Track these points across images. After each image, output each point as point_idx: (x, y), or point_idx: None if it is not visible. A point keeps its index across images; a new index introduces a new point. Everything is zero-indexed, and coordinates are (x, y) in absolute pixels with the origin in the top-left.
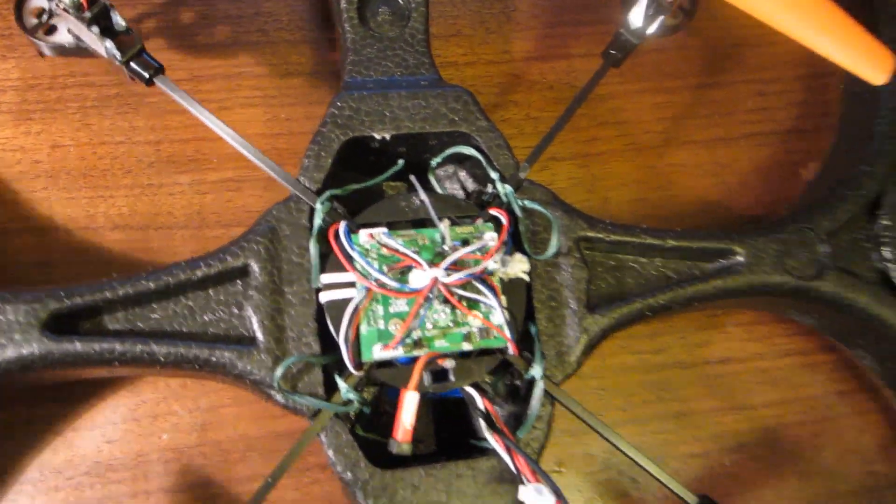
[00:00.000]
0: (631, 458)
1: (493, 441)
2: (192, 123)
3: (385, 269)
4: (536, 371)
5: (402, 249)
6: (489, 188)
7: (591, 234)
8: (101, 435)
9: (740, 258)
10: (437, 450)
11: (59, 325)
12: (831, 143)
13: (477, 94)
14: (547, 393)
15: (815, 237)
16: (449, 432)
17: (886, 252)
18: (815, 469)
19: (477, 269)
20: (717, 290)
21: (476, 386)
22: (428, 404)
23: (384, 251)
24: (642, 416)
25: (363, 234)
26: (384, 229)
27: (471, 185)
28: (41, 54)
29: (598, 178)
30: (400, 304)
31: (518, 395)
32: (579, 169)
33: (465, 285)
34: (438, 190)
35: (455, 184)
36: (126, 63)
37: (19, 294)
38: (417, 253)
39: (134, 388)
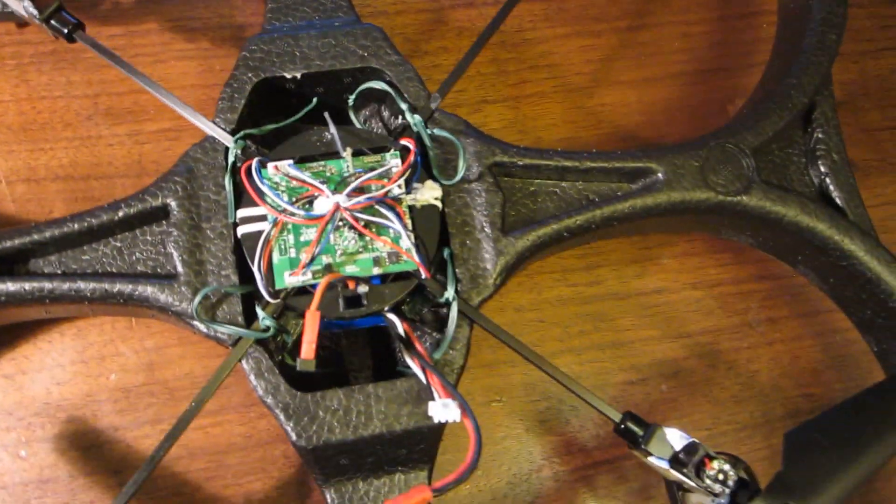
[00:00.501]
0: (550, 375)
1: (411, 363)
2: (128, 77)
3: (292, 200)
4: (449, 293)
5: (306, 179)
6: (400, 120)
7: (504, 158)
8: (50, 377)
9: (660, 175)
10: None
11: None
12: (763, 75)
13: (405, 42)
14: (465, 315)
15: (739, 152)
16: (387, 363)
17: (821, 165)
18: (750, 393)
19: (378, 194)
20: (637, 208)
21: (398, 313)
22: (364, 338)
23: (293, 183)
24: (579, 346)
25: (271, 168)
26: (289, 161)
27: (394, 123)
28: None
29: (529, 119)
30: (310, 234)
31: (445, 323)
32: (510, 111)
33: (370, 210)
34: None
35: (378, 123)
36: (46, 20)
37: None
38: (324, 183)
39: (81, 331)
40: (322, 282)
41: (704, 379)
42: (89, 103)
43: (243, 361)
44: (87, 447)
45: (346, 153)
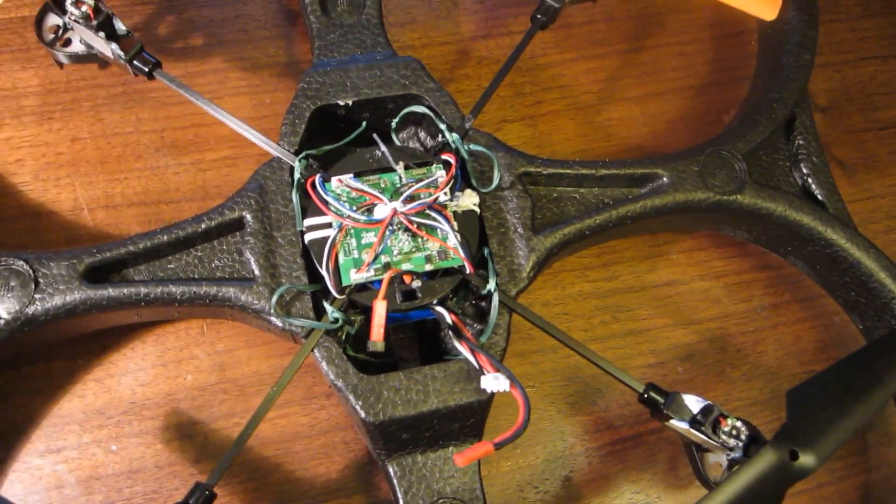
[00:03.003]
0: (580, 353)
1: (461, 347)
2: (190, 112)
3: (354, 208)
4: (491, 284)
5: (366, 189)
6: (440, 138)
7: (531, 168)
8: (134, 379)
9: (665, 179)
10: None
11: (93, 277)
12: (748, 90)
13: (433, 71)
14: (503, 304)
15: (732, 157)
16: (431, 357)
17: (803, 167)
18: (758, 372)
19: (429, 200)
20: (646, 208)
21: (444, 306)
22: (411, 333)
23: (353, 194)
24: (601, 335)
25: (334, 181)
26: (351, 175)
27: (430, 142)
28: (59, 64)
29: (544, 135)
30: (370, 237)
31: (484, 316)
32: (527, 128)
33: (422, 215)
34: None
35: (416, 143)
36: (129, 61)
37: (60, 252)
38: (380, 192)
39: (159, 338)
40: (387, 275)
41: (716, 361)
42: (157, 137)
43: (315, 350)
44: (170, 440)
45: (399, 167)
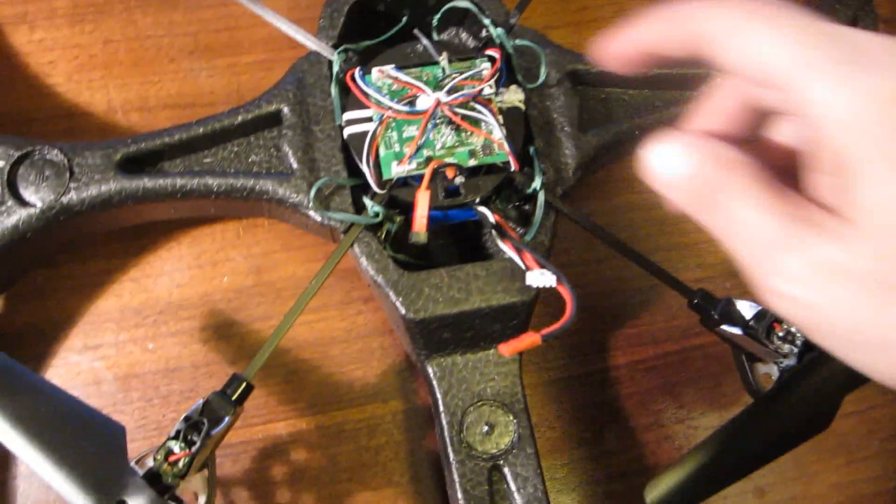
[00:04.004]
0: (630, 256)
1: (504, 246)
2: (224, 14)
3: (396, 100)
4: (537, 182)
5: (408, 80)
6: (483, 35)
7: (579, 66)
8: (170, 280)
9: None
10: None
11: (129, 167)
12: None
13: None
14: (549, 204)
15: None
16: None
17: None
18: None
19: (474, 91)
20: None
21: (487, 206)
22: (452, 235)
23: (394, 86)
24: (647, 248)
25: (375, 73)
26: (393, 66)
27: (472, 43)
28: None
29: (590, 43)
30: (412, 130)
31: (528, 220)
32: (572, 35)
33: (466, 108)
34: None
35: (458, 42)
36: None
37: (94, 143)
38: (423, 83)
39: (195, 239)
40: (429, 166)
41: None
42: (190, 40)
43: (355, 245)
44: (206, 340)
45: (443, 57)
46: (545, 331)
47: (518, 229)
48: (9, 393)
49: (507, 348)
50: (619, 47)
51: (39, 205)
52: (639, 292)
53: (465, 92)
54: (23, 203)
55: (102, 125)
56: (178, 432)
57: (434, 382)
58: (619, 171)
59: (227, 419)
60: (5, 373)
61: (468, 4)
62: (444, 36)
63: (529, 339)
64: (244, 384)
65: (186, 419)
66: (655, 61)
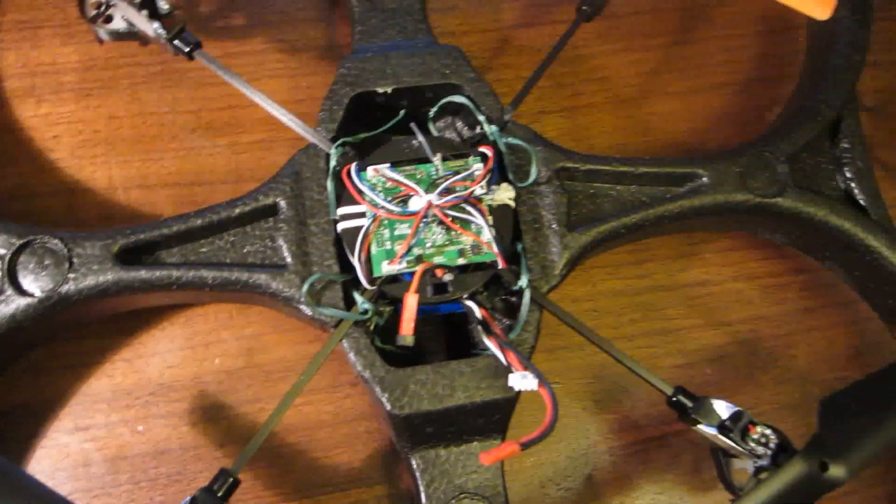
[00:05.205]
0: (609, 353)
1: (489, 343)
2: (226, 93)
3: (389, 198)
4: (523, 281)
5: (402, 180)
6: (477, 129)
7: (568, 164)
8: (162, 361)
9: (705, 180)
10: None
11: (127, 258)
12: (793, 88)
13: (473, 59)
14: (534, 301)
15: (775, 159)
16: (458, 350)
17: (847, 172)
18: (789, 376)
19: (465, 194)
20: (685, 208)
21: (475, 300)
22: (439, 327)
23: (388, 184)
24: (630, 333)
25: (370, 171)
26: (387, 165)
27: (466, 133)
28: (100, 40)
29: (582, 128)
30: (403, 228)
31: (514, 311)
32: (566, 121)
33: (456, 208)
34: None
35: (453, 133)
36: (170, 40)
37: (94, 233)
38: (416, 183)
39: (189, 320)
40: (419, 268)
41: (746, 363)
42: (193, 118)
43: (344, 340)
44: (196, 423)
45: (437, 158)
46: (524, 439)
47: (504, 321)
48: None
49: (488, 458)
50: None
51: (38, 294)
52: (621, 377)
53: (457, 194)
54: (21, 292)
55: (103, 202)
56: None
57: (417, 475)
58: (604, 257)
59: None
60: None
61: (464, 100)
62: (441, 123)
63: (509, 449)
64: (231, 480)
65: None
66: None
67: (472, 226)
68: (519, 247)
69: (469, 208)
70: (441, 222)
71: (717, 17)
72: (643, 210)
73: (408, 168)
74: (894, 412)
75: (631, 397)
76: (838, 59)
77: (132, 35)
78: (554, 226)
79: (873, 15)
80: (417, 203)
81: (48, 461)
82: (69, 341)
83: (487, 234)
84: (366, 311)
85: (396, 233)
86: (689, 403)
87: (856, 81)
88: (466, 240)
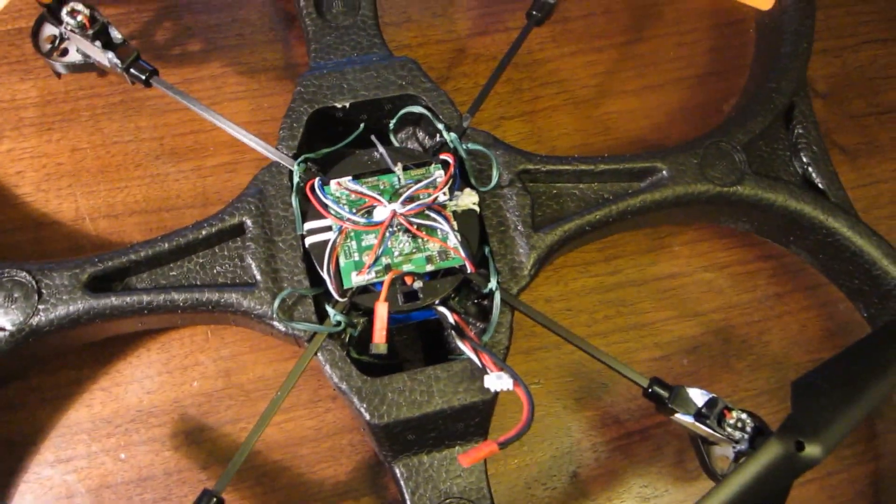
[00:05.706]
0: (585, 350)
1: (464, 346)
2: (188, 119)
3: (354, 210)
4: (492, 283)
5: (365, 191)
6: (438, 138)
7: (530, 166)
8: (140, 387)
9: (665, 173)
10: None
11: (96, 286)
12: (747, 79)
13: (429, 70)
14: (505, 303)
15: (732, 149)
16: (435, 357)
17: (804, 156)
18: (764, 362)
19: (428, 200)
20: (647, 202)
21: (447, 306)
22: (414, 334)
23: (352, 196)
24: (605, 329)
25: (333, 184)
26: (349, 178)
27: (428, 142)
28: (57, 74)
29: (543, 131)
30: (370, 239)
31: (487, 314)
32: (526, 125)
33: (421, 216)
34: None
35: (415, 143)
36: (126, 69)
37: (62, 262)
38: (379, 193)
39: (164, 345)
40: (388, 277)
41: (721, 352)
42: (156, 145)
43: (319, 354)
44: (178, 447)
45: (398, 168)
46: (502, 438)
47: (478, 324)
48: None
49: (467, 459)
50: None
51: (9, 327)
52: (599, 374)
53: (420, 202)
54: None
55: (70, 234)
56: None
57: (402, 483)
58: (574, 256)
59: None
60: None
61: (422, 110)
62: (402, 134)
63: (488, 449)
64: (214, 500)
65: None
66: None
67: (439, 232)
68: (486, 250)
69: (434, 215)
70: (407, 231)
71: (668, 14)
72: (606, 206)
73: (370, 179)
74: (863, 387)
75: (610, 393)
76: (786, 48)
77: (89, 66)
78: (520, 227)
79: (818, 3)
80: (382, 213)
81: (31, 496)
82: (45, 374)
83: (454, 240)
84: (339, 323)
85: (364, 244)
86: (664, 394)
87: (805, 68)
88: (433, 246)
